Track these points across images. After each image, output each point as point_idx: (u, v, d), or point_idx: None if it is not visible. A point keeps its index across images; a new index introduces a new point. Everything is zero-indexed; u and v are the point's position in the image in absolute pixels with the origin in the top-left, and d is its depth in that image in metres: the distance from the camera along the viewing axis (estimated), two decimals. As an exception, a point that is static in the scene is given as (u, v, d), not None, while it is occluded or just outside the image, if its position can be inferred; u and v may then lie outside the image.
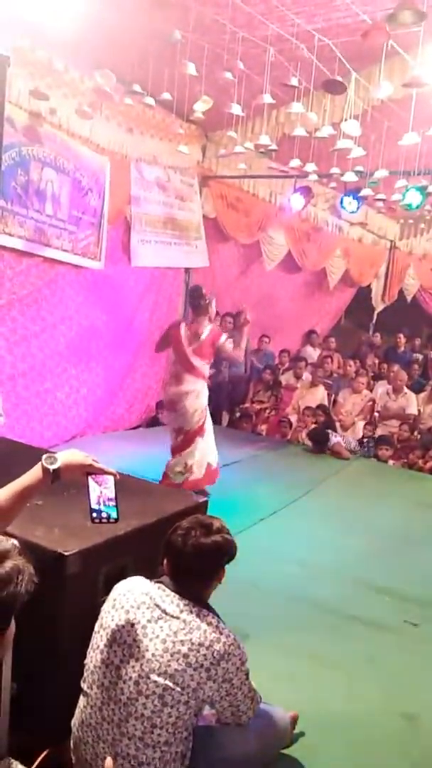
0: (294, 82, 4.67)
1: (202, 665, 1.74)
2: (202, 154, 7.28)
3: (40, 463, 1.62)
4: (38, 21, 4.25)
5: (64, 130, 5.46)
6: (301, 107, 4.98)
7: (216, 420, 5.91)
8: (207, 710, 1.88)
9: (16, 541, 1.30)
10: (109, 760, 1.73)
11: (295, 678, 2.74)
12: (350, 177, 6.16)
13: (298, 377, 8.48)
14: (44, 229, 5.40)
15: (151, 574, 1.94)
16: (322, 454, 6.95)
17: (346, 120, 5.04)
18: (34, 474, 1.62)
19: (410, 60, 4.74)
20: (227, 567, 1.90)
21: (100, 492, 1.72)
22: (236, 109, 4.97)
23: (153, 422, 7.24)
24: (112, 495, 1.73)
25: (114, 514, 1.74)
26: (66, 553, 1.91)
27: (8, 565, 1.22)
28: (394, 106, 5.35)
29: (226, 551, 1.87)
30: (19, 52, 4.63)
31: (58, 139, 5.41)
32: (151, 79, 5.05)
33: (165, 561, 1.90)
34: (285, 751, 2.24)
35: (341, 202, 8.03)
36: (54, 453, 1.67)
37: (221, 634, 1.80)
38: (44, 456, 1.64)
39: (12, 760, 1.81)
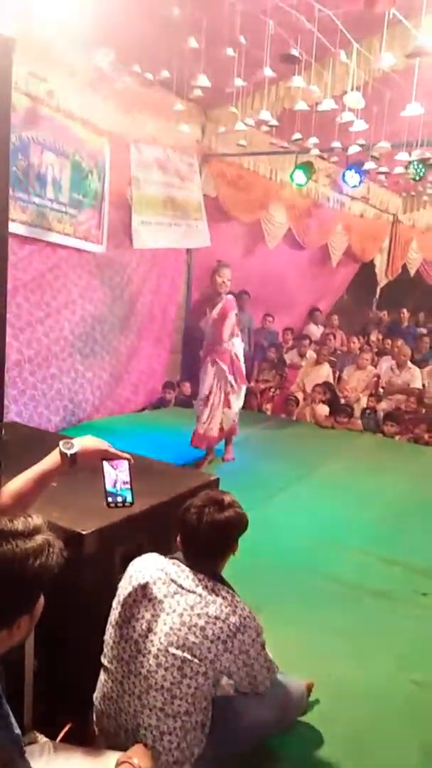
0: (294, 53, 4.61)
1: (218, 637, 1.79)
2: (201, 133, 7.21)
3: (57, 448, 1.66)
4: (36, 2, 4.20)
5: (63, 112, 5.41)
6: (302, 80, 4.92)
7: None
8: (225, 681, 1.93)
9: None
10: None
11: (309, 648, 2.80)
12: (353, 149, 6.10)
13: (302, 355, 8.50)
14: (46, 213, 5.39)
15: (166, 551, 1.99)
16: (330, 430, 7.02)
17: (347, 92, 4.98)
18: (51, 459, 1.66)
19: (412, 29, 4.68)
20: (240, 541, 1.95)
21: (116, 476, 1.75)
22: (237, 82, 4.90)
23: (158, 404, 7.28)
24: (127, 479, 1.76)
25: (129, 498, 1.76)
26: (84, 533, 1.95)
27: (39, 538, 1.26)
28: (396, 77, 5.27)
29: (239, 525, 1.91)
30: (17, 34, 4.57)
31: (57, 122, 5.37)
32: (150, 57, 4.99)
33: (179, 537, 1.94)
34: (301, 719, 2.31)
35: (343, 177, 7.94)
36: (70, 438, 1.71)
37: (236, 607, 1.84)
38: (61, 441, 1.67)
39: (38, 734, 1.87)
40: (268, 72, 4.69)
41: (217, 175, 7.50)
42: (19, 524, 1.27)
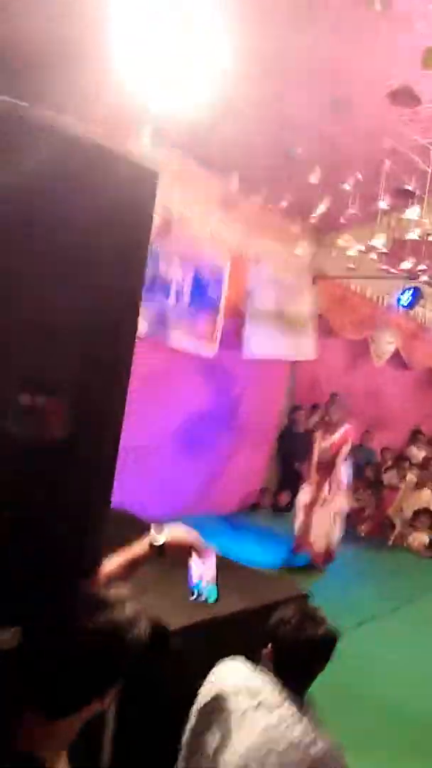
0: (408, 187, 4.87)
1: (297, 766, 1.66)
2: (314, 255, 7.60)
3: (147, 536, 1.68)
4: (176, 131, 4.75)
5: (192, 230, 5.94)
6: (416, 211, 5.14)
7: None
8: None
9: None
10: None
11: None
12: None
13: (402, 477, 8.18)
14: (166, 316, 5.80)
15: (252, 658, 1.91)
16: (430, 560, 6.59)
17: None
18: (141, 546, 1.67)
19: None
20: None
21: (202, 570, 1.73)
22: (351, 212, 5.20)
23: (253, 507, 7.20)
24: (213, 574, 1.73)
25: (214, 594, 1.73)
26: (170, 628, 1.93)
27: (131, 608, 1.27)
28: None
29: (334, 643, 1.82)
30: (158, 159, 5.18)
31: (185, 238, 5.89)
32: (272, 184, 5.45)
33: (270, 648, 1.87)
34: None
35: (451, 302, 7.98)
36: (161, 525, 1.72)
37: (320, 736, 1.72)
38: (153, 526, 1.70)
39: None
40: (382, 204, 4.96)
41: (325, 294, 7.79)
42: (113, 594, 1.29)
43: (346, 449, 5.72)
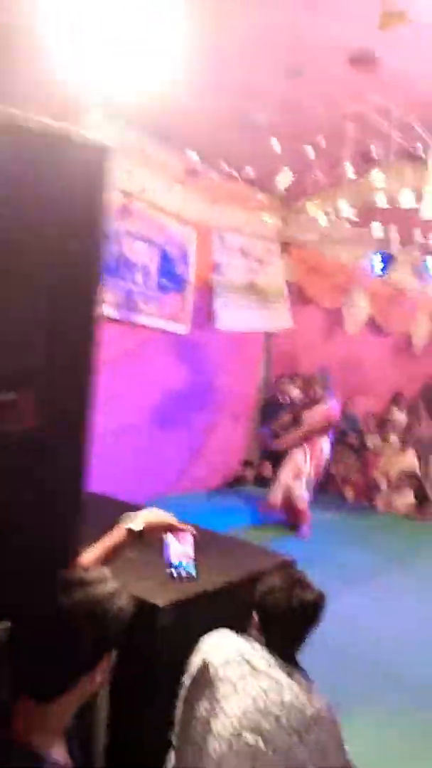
0: (373, 153, 4.84)
1: (293, 728, 1.69)
2: (282, 223, 7.54)
3: (122, 524, 1.68)
4: (132, 108, 4.66)
5: (154, 206, 5.86)
6: (381, 176, 5.11)
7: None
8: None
9: None
10: None
11: (388, 753, 2.58)
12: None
13: (385, 440, 8.28)
14: (134, 297, 5.74)
15: (239, 629, 1.94)
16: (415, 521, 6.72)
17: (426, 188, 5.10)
18: (117, 535, 1.67)
19: None
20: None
21: (180, 548, 1.75)
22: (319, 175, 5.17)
23: (235, 482, 7.25)
24: (191, 552, 1.75)
25: (192, 571, 1.74)
26: (160, 605, 1.94)
27: (111, 584, 1.31)
28: None
29: (323, 605, 1.85)
30: (114, 137, 5.09)
31: (147, 215, 5.81)
32: (235, 154, 5.38)
33: (257, 617, 1.89)
34: None
35: (425, 266, 7.98)
36: (137, 513, 1.72)
37: (312, 696, 1.75)
38: (127, 515, 1.70)
39: None
40: (349, 172, 4.93)
41: (298, 261, 7.75)
42: (93, 573, 1.34)
43: (328, 426, 6.02)
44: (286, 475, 5.94)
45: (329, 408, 6.03)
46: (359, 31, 3.73)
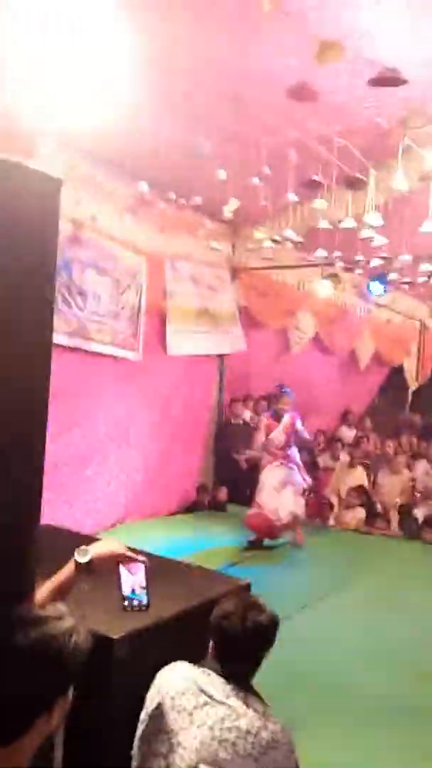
0: (316, 178, 5.02)
1: (250, 754, 1.72)
2: (232, 250, 7.69)
3: (74, 557, 1.69)
4: (83, 138, 4.71)
5: (104, 235, 5.88)
6: (324, 203, 5.29)
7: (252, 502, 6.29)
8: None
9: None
10: None
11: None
12: (376, 262, 6.41)
13: (335, 458, 8.44)
14: (86, 324, 5.72)
15: (196, 658, 1.95)
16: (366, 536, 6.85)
17: (367, 212, 5.32)
18: (68, 569, 1.68)
19: (425, 154, 5.07)
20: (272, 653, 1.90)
21: (132, 579, 1.77)
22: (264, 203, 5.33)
23: (192, 507, 7.24)
24: (143, 582, 1.78)
25: (145, 601, 1.78)
26: (114, 637, 1.94)
27: (69, 620, 1.28)
28: (414, 196, 5.63)
29: (277, 628, 1.88)
30: (64, 167, 5.12)
31: (98, 244, 5.83)
32: (183, 185, 5.48)
33: (213, 645, 1.91)
34: None
35: (368, 287, 8.27)
36: (86, 547, 1.72)
37: (268, 721, 1.78)
38: (77, 550, 1.70)
39: None
40: (292, 197, 5.09)
41: (247, 287, 7.90)
42: (49, 610, 1.31)
43: (295, 431, 6.30)
44: (266, 493, 6.04)
45: (291, 416, 6.27)
46: (298, 61, 3.88)
